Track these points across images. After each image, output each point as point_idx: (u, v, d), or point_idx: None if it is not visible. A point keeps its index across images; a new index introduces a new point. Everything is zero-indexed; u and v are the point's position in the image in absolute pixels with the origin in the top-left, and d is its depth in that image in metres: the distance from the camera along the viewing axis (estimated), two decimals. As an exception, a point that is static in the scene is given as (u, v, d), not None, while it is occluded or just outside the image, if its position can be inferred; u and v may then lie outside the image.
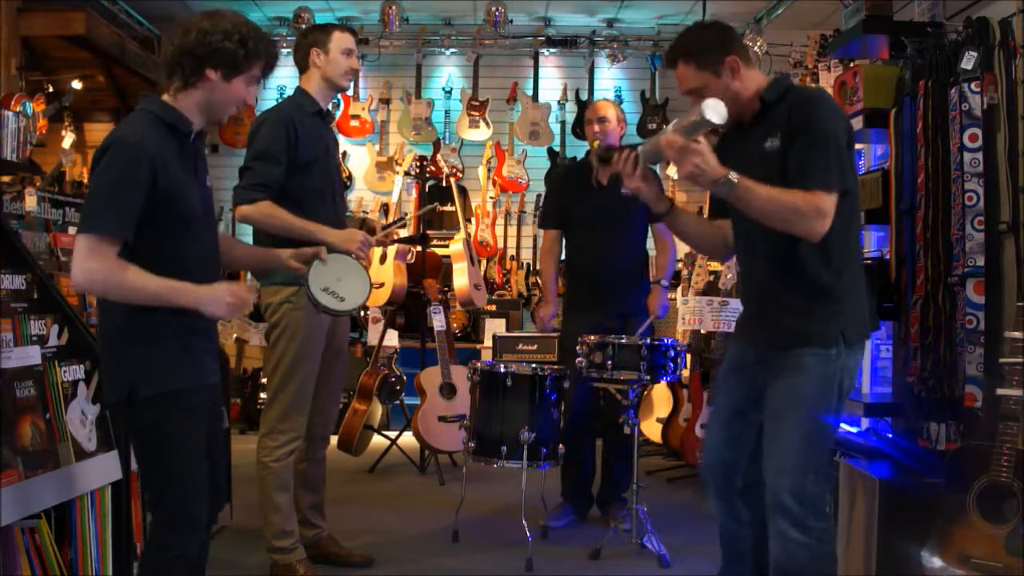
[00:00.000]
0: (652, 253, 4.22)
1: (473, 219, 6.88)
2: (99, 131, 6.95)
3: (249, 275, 6.29)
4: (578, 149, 6.86)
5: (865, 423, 3.79)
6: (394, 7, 6.53)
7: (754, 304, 2.50)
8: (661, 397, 5.15)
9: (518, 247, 7.05)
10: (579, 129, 6.61)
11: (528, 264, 6.96)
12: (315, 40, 3.18)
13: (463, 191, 6.83)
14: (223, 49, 2.07)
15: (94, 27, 5.59)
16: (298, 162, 3.07)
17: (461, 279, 5.86)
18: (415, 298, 5.60)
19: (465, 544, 3.72)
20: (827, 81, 4.41)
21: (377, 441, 5.28)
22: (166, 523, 2.09)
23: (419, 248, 5.68)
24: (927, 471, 2.92)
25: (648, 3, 6.50)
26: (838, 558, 2.52)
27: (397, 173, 6.83)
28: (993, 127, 3.10)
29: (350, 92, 6.81)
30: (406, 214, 6.66)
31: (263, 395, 5.91)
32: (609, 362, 3.50)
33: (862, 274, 2.43)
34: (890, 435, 3.56)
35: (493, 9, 6.51)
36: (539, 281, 6.52)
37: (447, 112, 7.10)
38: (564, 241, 4.17)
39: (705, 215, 2.71)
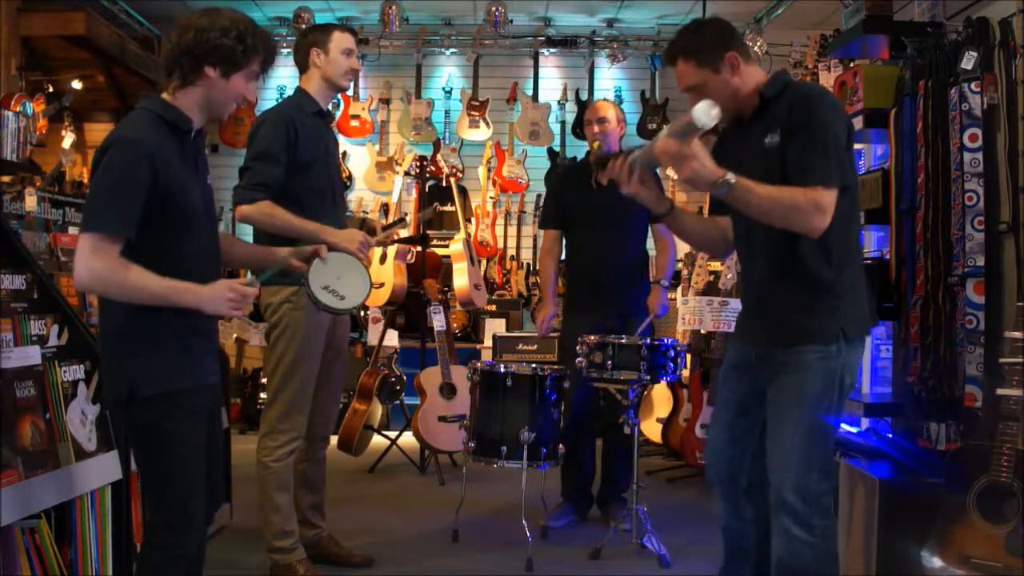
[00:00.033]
0: (652, 253, 4.23)
1: (473, 219, 6.88)
2: (99, 131, 6.94)
3: (249, 275, 6.29)
4: (578, 149, 6.86)
5: (865, 423, 3.79)
6: (394, 7, 6.53)
7: (754, 302, 2.50)
8: (661, 397, 5.15)
9: (518, 247, 7.05)
10: (579, 129, 6.60)
11: (528, 264, 6.96)
12: (315, 40, 3.18)
13: (463, 191, 6.83)
14: (221, 46, 2.07)
15: (94, 27, 5.59)
16: (298, 162, 3.07)
17: (461, 279, 5.86)
18: (415, 298, 5.60)
19: (465, 544, 3.72)
20: (827, 81, 4.41)
21: (377, 441, 5.28)
22: (165, 522, 2.09)
23: (419, 248, 5.68)
24: (927, 471, 2.93)
25: (648, 3, 6.50)
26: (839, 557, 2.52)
27: (397, 173, 6.83)
28: (993, 127, 3.10)
29: (350, 92, 6.81)
30: (406, 214, 6.67)
31: (263, 395, 5.92)
32: (609, 362, 3.50)
33: (862, 271, 2.44)
34: (890, 435, 3.56)
35: (493, 9, 6.51)
36: (539, 281, 6.52)
37: (447, 112, 7.10)
38: (564, 241, 4.17)
39: (705, 214, 2.71)
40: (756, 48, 6.00)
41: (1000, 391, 2.57)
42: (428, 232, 5.72)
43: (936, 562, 2.56)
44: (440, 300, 5.07)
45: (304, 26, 6.25)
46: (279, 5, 6.68)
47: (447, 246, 6.17)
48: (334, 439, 4.19)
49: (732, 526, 2.57)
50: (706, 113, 2.09)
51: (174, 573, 2.09)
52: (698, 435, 4.61)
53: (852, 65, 3.94)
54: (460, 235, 6.13)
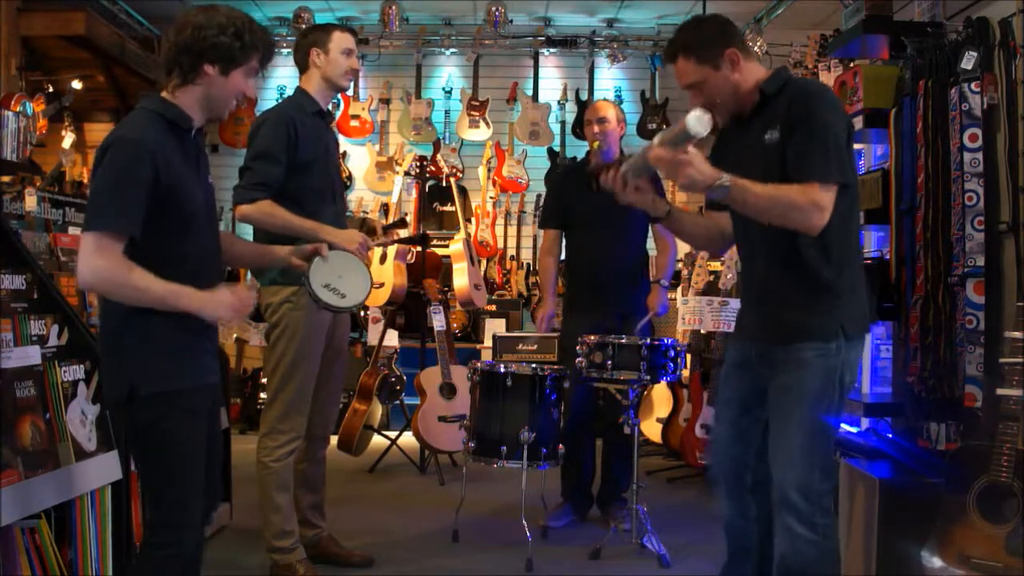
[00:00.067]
0: (652, 253, 4.23)
1: (473, 219, 6.88)
2: (99, 131, 6.94)
3: (249, 275, 6.30)
4: (578, 149, 6.85)
5: (865, 423, 3.79)
6: (394, 7, 6.53)
7: (754, 300, 2.50)
8: (661, 397, 5.15)
9: (518, 247, 7.05)
10: (579, 129, 6.60)
11: (528, 264, 6.96)
12: (315, 40, 3.18)
13: (463, 191, 6.83)
14: (219, 44, 2.07)
15: (94, 27, 5.59)
16: (298, 162, 3.07)
17: (461, 279, 5.86)
18: (415, 298, 5.60)
19: (465, 544, 3.72)
20: (827, 81, 4.41)
21: (377, 441, 5.28)
22: (163, 522, 2.09)
23: (419, 248, 5.68)
24: (927, 471, 2.92)
25: (648, 3, 6.50)
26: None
27: (397, 173, 6.83)
28: (993, 127, 3.10)
29: (350, 92, 6.80)
30: (406, 214, 6.67)
31: (263, 395, 5.92)
32: (609, 362, 3.50)
33: (862, 270, 2.44)
34: (890, 435, 3.56)
35: (493, 9, 6.51)
36: (539, 281, 6.52)
37: (447, 112, 7.10)
38: (564, 241, 4.17)
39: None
40: (756, 48, 6.00)
41: (1000, 391, 2.57)
42: (428, 232, 5.72)
43: (936, 562, 2.56)
44: (440, 300, 5.07)
45: (304, 26, 6.25)
46: (279, 5, 6.68)
47: (447, 246, 6.17)
48: (334, 439, 4.19)
49: (735, 525, 2.56)
50: (699, 121, 2.09)
51: (171, 572, 2.09)
52: (698, 435, 4.61)
53: (852, 65, 3.94)
54: (460, 235, 6.13)
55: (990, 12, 3.22)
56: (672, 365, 3.55)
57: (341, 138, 6.77)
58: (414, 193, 6.63)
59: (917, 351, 3.22)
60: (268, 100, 6.92)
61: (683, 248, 5.14)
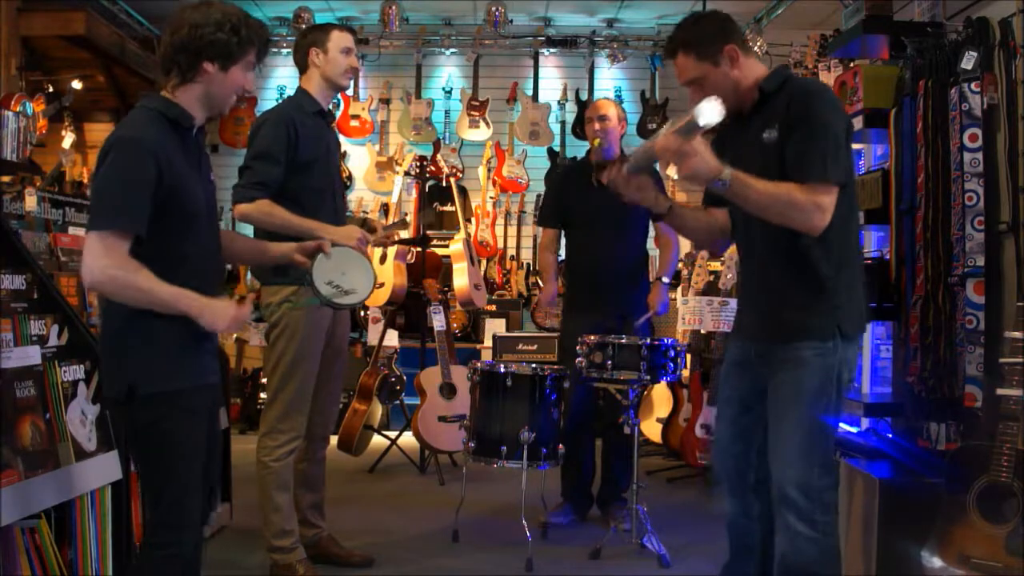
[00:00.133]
0: (653, 253, 4.23)
1: (473, 219, 6.88)
2: (99, 131, 6.94)
3: (249, 275, 6.30)
4: (578, 149, 6.85)
5: (865, 423, 3.79)
6: (394, 7, 6.53)
7: (753, 299, 2.50)
8: (661, 397, 5.15)
9: (518, 247, 7.05)
10: (579, 129, 6.60)
11: (528, 264, 6.96)
12: (314, 40, 3.19)
13: (463, 191, 6.83)
14: (217, 40, 2.06)
15: (94, 27, 5.59)
16: (298, 162, 3.07)
17: (461, 279, 5.86)
18: (415, 298, 5.60)
19: (465, 544, 3.72)
20: (827, 81, 4.41)
21: (377, 441, 5.28)
22: (163, 521, 2.09)
23: (419, 248, 5.68)
24: (927, 471, 2.92)
25: (648, 3, 6.50)
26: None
27: (397, 173, 6.83)
28: (993, 127, 3.10)
29: (350, 92, 6.80)
30: (406, 214, 6.67)
31: (263, 395, 5.92)
32: (609, 362, 3.50)
33: (860, 269, 2.44)
34: (890, 435, 3.56)
35: (493, 9, 6.51)
36: (539, 281, 6.52)
37: (447, 112, 7.10)
38: (564, 240, 4.17)
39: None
40: (756, 48, 6.00)
41: (1000, 391, 2.57)
42: (428, 232, 5.72)
43: (936, 562, 2.56)
44: (440, 300, 5.07)
45: (304, 26, 6.25)
46: (279, 5, 6.68)
47: (447, 246, 6.17)
48: (334, 439, 4.19)
49: (738, 523, 2.56)
50: (711, 112, 2.08)
51: (171, 572, 2.09)
52: (698, 435, 4.61)
53: (852, 65, 3.94)
54: (460, 235, 6.13)
55: (990, 12, 3.22)
56: (672, 365, 3.56)
57: (341, 138, 6.76)
58: (414, 193, 6.63)
59: (917, 351, 3.22)
60: (268, 100, 6.92)
61: (683, 248, 5.14)
